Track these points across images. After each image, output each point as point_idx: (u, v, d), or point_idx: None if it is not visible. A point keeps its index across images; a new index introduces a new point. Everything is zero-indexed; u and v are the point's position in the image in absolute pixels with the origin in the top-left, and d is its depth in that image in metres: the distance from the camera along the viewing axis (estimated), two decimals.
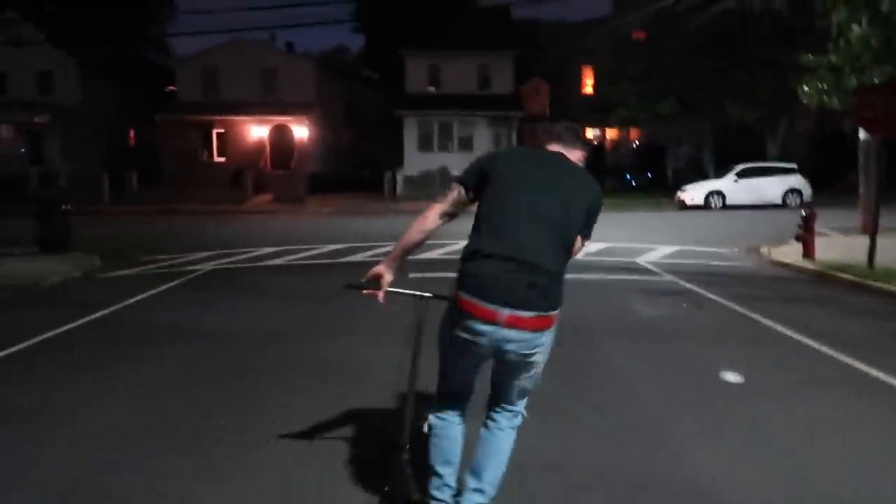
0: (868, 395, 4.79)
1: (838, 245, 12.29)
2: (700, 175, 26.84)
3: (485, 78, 32.23)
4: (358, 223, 19.31)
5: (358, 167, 35.75)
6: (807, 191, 23.15)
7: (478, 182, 2.73)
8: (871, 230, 9.83)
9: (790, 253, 11.44)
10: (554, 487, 3.42)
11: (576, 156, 2.82)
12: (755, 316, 7.19)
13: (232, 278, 10.27)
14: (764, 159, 26.07)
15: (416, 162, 30.22)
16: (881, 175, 11.24)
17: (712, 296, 8.27)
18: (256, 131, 32.67)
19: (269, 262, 11.71)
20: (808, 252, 10.80)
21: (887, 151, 12.24)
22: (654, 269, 10.43)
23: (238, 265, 11.50)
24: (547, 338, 2.63)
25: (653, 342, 6.20)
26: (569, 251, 2.68)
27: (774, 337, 6.41)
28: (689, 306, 7.79)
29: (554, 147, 2.82)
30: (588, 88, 35.26)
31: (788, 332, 6.46)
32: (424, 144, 31.17)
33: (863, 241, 11.28)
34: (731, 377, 5.12)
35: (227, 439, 4.03)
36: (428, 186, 27.75)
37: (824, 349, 5.86)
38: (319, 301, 8.22)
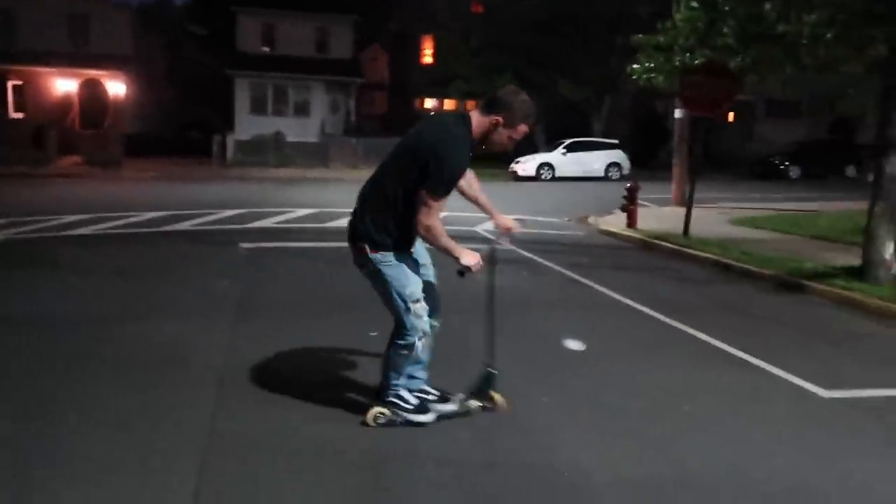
0: (700, 357, 5.05)
1: (657, 216, 13.23)
2: (531, 148, 27.96)
3: (323, 41, 31.05)
4: (183, 189, 17.81)
5: (184, 129, 33.15)
6: (626, 165, 24.97)
7: None
8: (687, 202, 10.62)
9: (615, 222, 12.12)
10: (401, 475, 3.18)
11: (476, 117, 3.26)
12: (590, 283, 7.44)
13: (29, 250, 8.93)
14: (590, 135, 27.68)
15: (248, 125, 28.55)
16: (694, 151, 12.18)
17: (549, 263, 8.48)
18: (63, 85, 28.97)
19: (76, 232, 10.32)
20: (632, 222, 11.48)
21: (700, 129, 13.28)
22: (492, 237, 10.50)
23: (38, 235, 10.03)
24: (368, 263, 3.38)
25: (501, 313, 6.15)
26: (388, 198, 3.30)
27: (610, 303, 6.65)
28: (529, 275, 7.92)
29: (472, 110, 3.28)
30: (428, 58, 35.25)
31: (622, 299, 6.73)
32: (258, 107, 29.51)
33: (678, 212, 12.23)
34: (574, 345, 5.17)
35: (20, 454, 3.35)
36: (262, 152, 26.37)
37: (655, 314, 6.15)
38: (131, 276, 7.33)
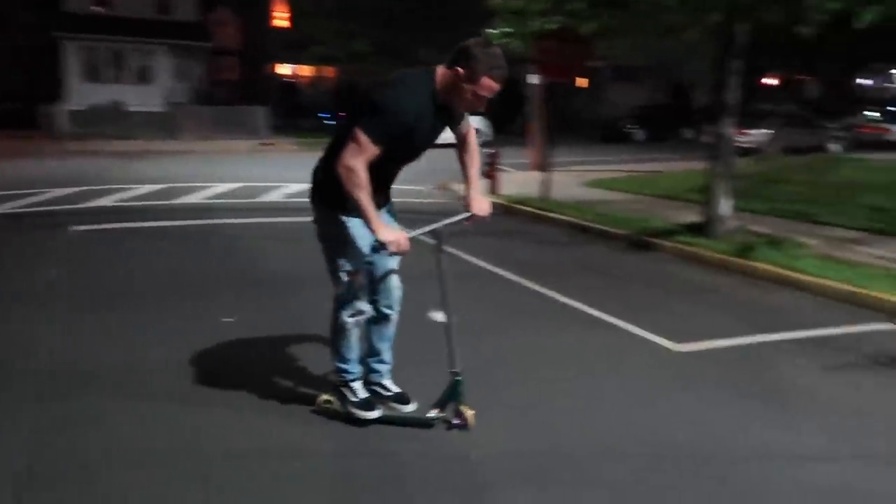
0: (561, 320, 5.14)
1: (517, 180, 13.47)
2: None
3: (165, 2, 28.67)
4: (1, 167, 15.88)
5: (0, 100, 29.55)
6: (488, 131, 25.31)
7: None
8: (546, 167, 10.86)
9: None
10: (246, 472, 2.93)
11: (440, 70, 2.96)
12: (455, 251, 7.38)
13: None
14: None
15: (83, 94, 25.92)
16: (550, 116, 12.47)
17: (412, 233, 8.34)
18: None
19: None
20: (494, 187, 11.60)
21: (556, 95, 13.58)
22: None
23: None
24: (325, 219, 3.18)
25: None
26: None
27: (473, 271, 6.63)
28: None
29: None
30: (281, 21, 33.60)
31: (486, 265, 6.75)
32: (92, 74, 26.87)
33: (536, 177, 12.52)
34: (439, 316, 5.08)
35: None
36: (100, 123, 24.07)
37: (518, 279, 6.22)
38: None
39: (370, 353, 3.41)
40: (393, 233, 3.01)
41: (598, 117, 31.22)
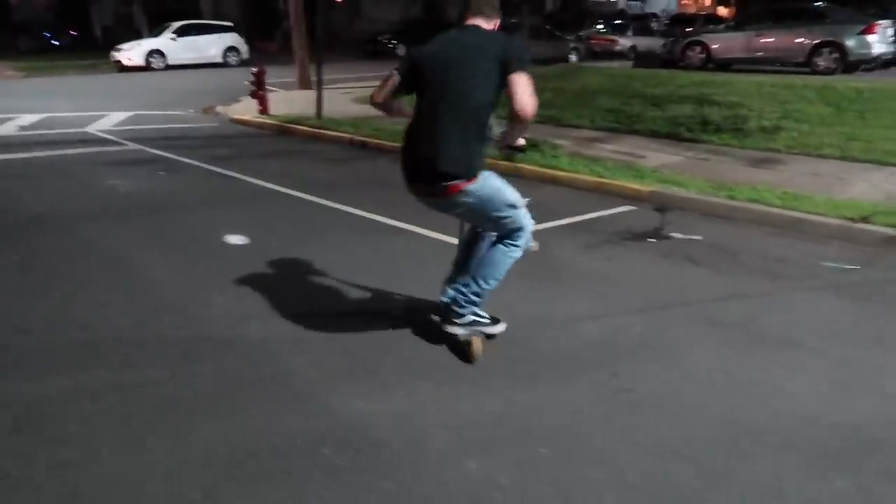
0: (360, 232, 5.31)
1: (286, 100, 13.11)
2: (133, 33, 24.87)
3: None
4: None
5: None
6: (244, 49, 23.89)
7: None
8: (318, 84, 10.70)
9: (246, 110, 11.70)
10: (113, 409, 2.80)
11: (489, 24, 3.05)
12: (236, 174, 7.16)
13: None
14: (196, 17, 25.57)
15: None
16: (315, 32, 12.14)
17: (186, 160, 7.88)
18: None
19: None
20: (264, 108, 11.21)
21: (318, 10, 13.21)
22: (112, 138, 9.33)
23: None
24: (463, 200, 3.04)
25: (144, 219, 5.58)
26: (476, 114, 2.93)
27: (262, 192, 6.52)
28: (167, 174, 7.27)
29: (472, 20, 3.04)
30: None
31: (273, 186, 6.65)
32: None
33: (306, 95, 12.31)
34: (236, 239, 5.01)
35: None
36: None
37: (309, 197, 6.25)
38: None
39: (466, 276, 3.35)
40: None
41: (358, 33, 30.94)
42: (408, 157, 3.12)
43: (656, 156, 7.86)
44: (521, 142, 3.17)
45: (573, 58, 23.76)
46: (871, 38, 16.89)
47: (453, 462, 2.52)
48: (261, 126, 10.70)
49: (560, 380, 3.11)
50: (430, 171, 2.98)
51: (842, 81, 13.70)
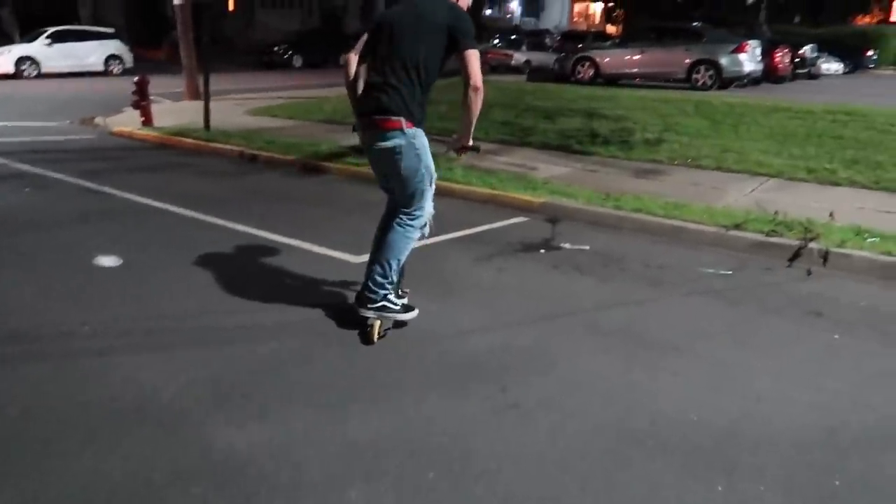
0: (246, 249, 5.08)
1: (173, 111, 12.53)
2: (3, 38, 23.14)
3: None
4: None
5: None
6: (128, 57, 22.74)
7: None
8: (204, 94, 10.27)
9: (128, 121, 11.07)
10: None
11: None
12: (111, 191, 6.71)
13: None
14: (74, 23, 24.14)
15: None
16: (202, 41, 11.70)
17: (58, 175, 7.32)
18: None
19: None
20: (147, 119, 10.64)
21: (205, 17, 12.74)
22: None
23: None
24: (399, 137, 3.35)
25: (4, 239, 5.10)
26: (420, 72, 3.35)
27: (139, 209, 6.13)
28: (34, 190, 6.72)
29: None
30: None
31: (152, 202, 6.28)
32: None
33: (194, 106, 11.80)
34: (107, 261, 4.66)
35: None
36: None
37: (192, 213, 5.93)
38: None
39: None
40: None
41: (253, 43, 30.20)
42: (360, 100, 3.46)
43: (548, 167, 8.04)
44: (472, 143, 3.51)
45: None
46: (742, 56, 18.17)
47: (334, 493, 2.40)
48: (143, 139, 10.14)
49: (450, 396, 3.06)
50: (376, 107, 3.34)
51: (717, 97, 14.62)
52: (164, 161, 8.65)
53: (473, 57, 3.22)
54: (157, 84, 14.15)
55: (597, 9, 48.91)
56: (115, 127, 10.91)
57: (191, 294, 4.14)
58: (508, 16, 41.23)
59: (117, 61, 22.30)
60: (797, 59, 23.25)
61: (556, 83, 18.70)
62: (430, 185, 3.50)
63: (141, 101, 10.62)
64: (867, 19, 44.33)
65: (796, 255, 5.19)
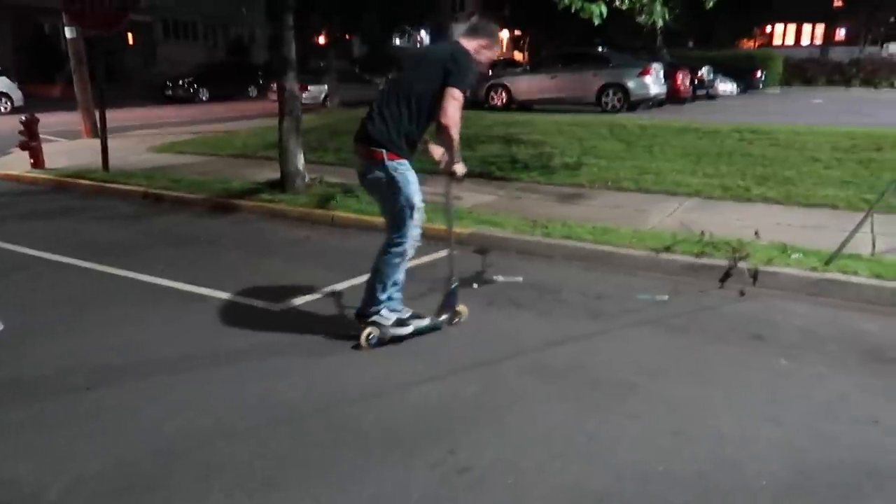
0: (150, 302, 4.58)
1: (69, 150, 11.67)
2: None
3: None
4: None
5: None
6: (17, 95, 21.29)
7: None
8: (101, 132, 9.57)
9: (16, 164, 10.19)
10: None
11: (465, 41, 3.70)
12: None
13: None
14: None
15: None
16: (97, 75, 10.97)
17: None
18: None
19: None
20: (38, 161, 9.82)
21: (99, 51, 11.99)
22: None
23: None
24: (381, 169, 3.58)
25: None
26: (410, 105, 3.58)
27: (28, 262, 5.50)
28: None
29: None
30: None
31: (42, 254, 5.65)
32: None
33: (91, 145, 11.01)
34: None
35: None
36: None
37: (88, 264, 5.36)
38: None
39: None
40: (461, 165, 3.74)
41: (155, 77, 29.04)
42: (359, 126, 3.69)
43: (472, 196, 7.85)
44: (462, 170, 3.74)
45: None
46: (647, 79, 18.80)
47: None
48: (34, 182, 9.31)
49: (393, 466, 2.72)
50: (363, 135, 3.60)
51: (628, 119, 14.99)
52: (57, 206, 7.93)
53: (450, 95, 3.43)
54: (51, 122, 13.23)
55: (503, 36, 50.21)
56: (0, 170, 10.01)
57: (83, 363, 3.63)
58: (418, 45, 41.62)
59: (5, 99, 20.84)
60: (696, 81, 24.34)
61: (471, 109, 18.77)
62: (411, 217, 3.63)
63: (30, 141, 9.80)
64: (752, 43, 47.34)
65: (727, 275, 5.16)
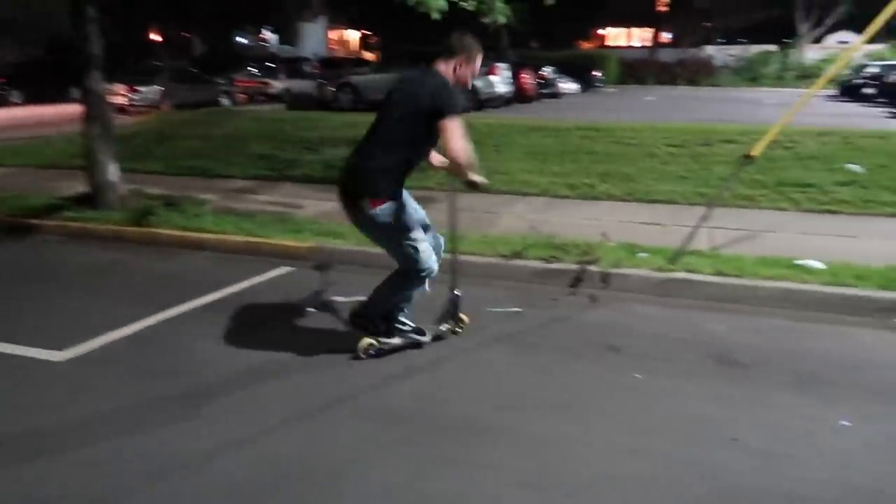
0: None
1: None
2: None
3: None
4: None
5: None
6: None
7: None
8: None
9: None
10: None
11: (441, 66, 3.59)
12: None
13: None
14: None
15: None
16: None
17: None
18: None
19: None
20: None
21: None
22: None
23: None
24: (368, 217, 3.48)
25: None
26: (397, 147, 3.50)
27: None
28: None
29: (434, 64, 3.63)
30: None
31: None
32: None
33: None
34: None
35: None
36: None
37: None
38: None
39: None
40: (478, 176, 3.49)
41: None
42: (341, 172, 3.62)
43: (314, 203, 7.26)
44: (480, 179, 3.50)
45: (225, 101, 22.56)
46: (494, 78, 18.99)
47: None
48: None
49: None
50: (351, 188, 3.50)
51: (475, 118, 14.92)
52: None
53: (449, 129, 3.30)
54: None
55: (353, 36, 49.29)
56: None
57: None
58: (263, 44, 39.77)
59: None
60: (541, 80, 25.05)
61: (317, 111, 17.99)
62: (417, 251, 3.49)
63: None
64: (588, 44, 49.91)
65: (577, 280, 4.99)
